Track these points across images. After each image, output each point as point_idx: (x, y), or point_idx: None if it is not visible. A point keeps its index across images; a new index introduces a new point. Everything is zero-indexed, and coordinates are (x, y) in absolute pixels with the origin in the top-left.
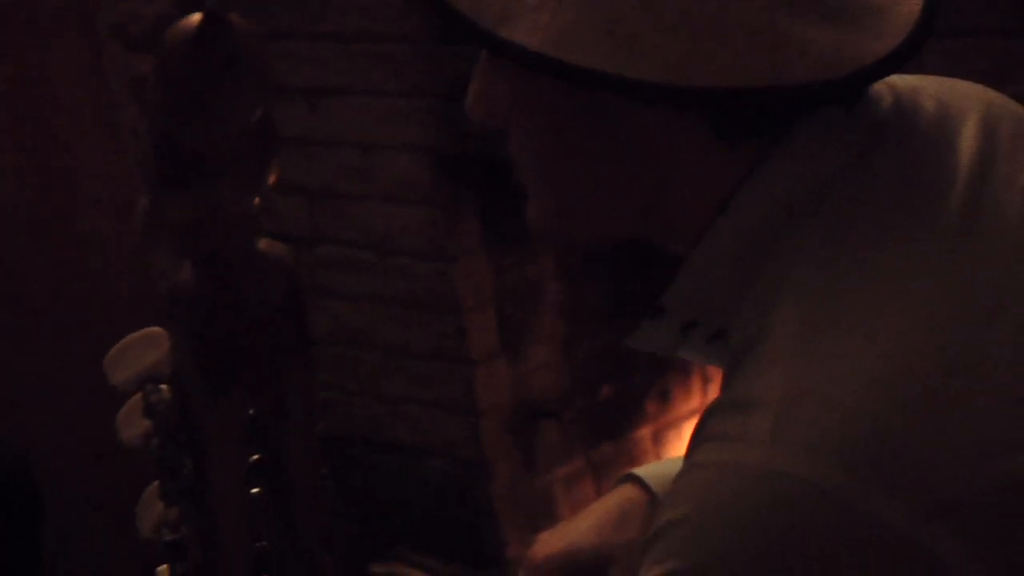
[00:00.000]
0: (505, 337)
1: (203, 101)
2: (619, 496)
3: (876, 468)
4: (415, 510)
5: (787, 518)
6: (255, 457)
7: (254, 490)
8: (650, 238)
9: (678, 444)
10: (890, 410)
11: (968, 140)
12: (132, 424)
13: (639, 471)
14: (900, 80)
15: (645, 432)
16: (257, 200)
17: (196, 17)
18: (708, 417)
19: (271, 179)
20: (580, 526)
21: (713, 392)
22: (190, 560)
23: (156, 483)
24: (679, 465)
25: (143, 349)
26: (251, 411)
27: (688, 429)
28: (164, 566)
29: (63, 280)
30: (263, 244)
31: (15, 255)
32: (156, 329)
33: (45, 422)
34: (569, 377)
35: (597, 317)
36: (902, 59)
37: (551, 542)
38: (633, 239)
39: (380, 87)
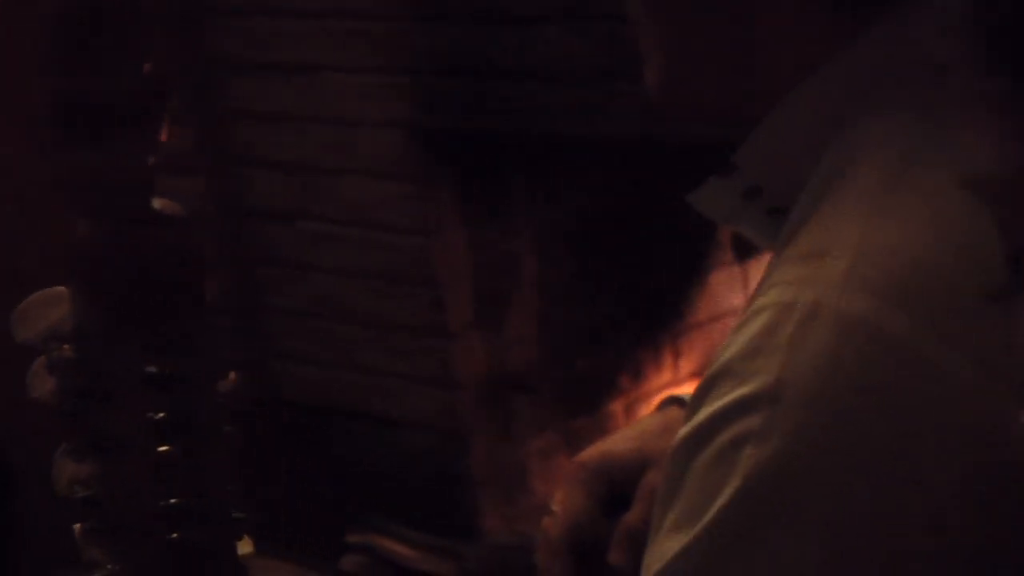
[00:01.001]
0: (482, 311)
1: (95, 58)
2: (662, 414)
3: (941, 317)
4: (392, 481)
5: (853, 360)
6: (162, 414)
7: (163, 447)
8: (750, 107)
9: None
10: (958, 265)
11: None
12: (41, 381)
13: (682, 394)
14: None
15: (618, 406)
16: (152, 159)
17: None
18: (772, 271)
19: (164, 137)
20: (621, 435)
21: (685, 367)
22: (103, 517)
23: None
24: None
25: (47, 307)
26: (153, 368)
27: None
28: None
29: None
30: (159, 202)
31: None
32: (60, 288)
33: (12, 397)
34: (545, 351)
35: (573, 292)
36: None
37: (590, 450)
38: (735, 111)
39: (358, 63)
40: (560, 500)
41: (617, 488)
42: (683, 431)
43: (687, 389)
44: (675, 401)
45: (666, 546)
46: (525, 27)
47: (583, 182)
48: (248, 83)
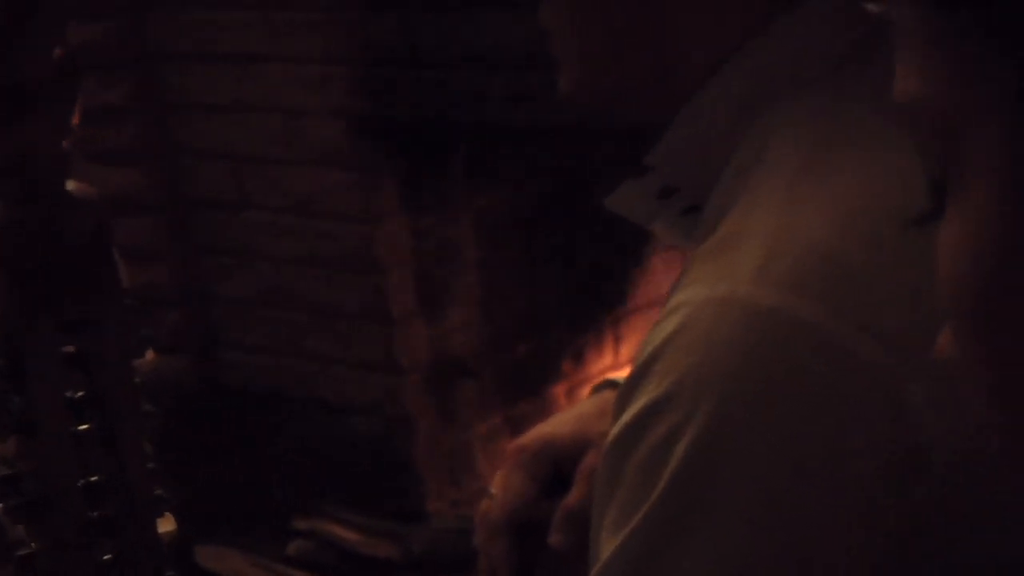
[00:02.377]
0: (425, 297)
1: (4, 43)
2: (598, 397)
3: (851, 305)
4: (337, 466)
5: (769, 349)
6: (80, 393)
7: (83, 426)
8: (663, 102)
9: None
10: (866, 255)
11: None
12: None
13: (616, 377)
14: None
15: (560, 390)
16: (66, 142)
17: None
18: (688, 267)
19: (76, 119)
20: (560, 419)
21: (625, 351)
22: (24, 495)
23: None
24: None
25: None
26: (70, 347)
27: None
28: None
29: None
30: (72, 185)
31: None
32: None
33: None
34: (487, 336)
35: (515, 277)
36: None
37: (530, 433)
38: (648, 105)
39: (301, 53)
40: (500, 483)
41: (557, 470)
42: (614, 430)
43: (625, 373)
44: (610, 384)
45: (606, 546)
46: (465, 15)
47: (524, 169)
48: (192, 74)
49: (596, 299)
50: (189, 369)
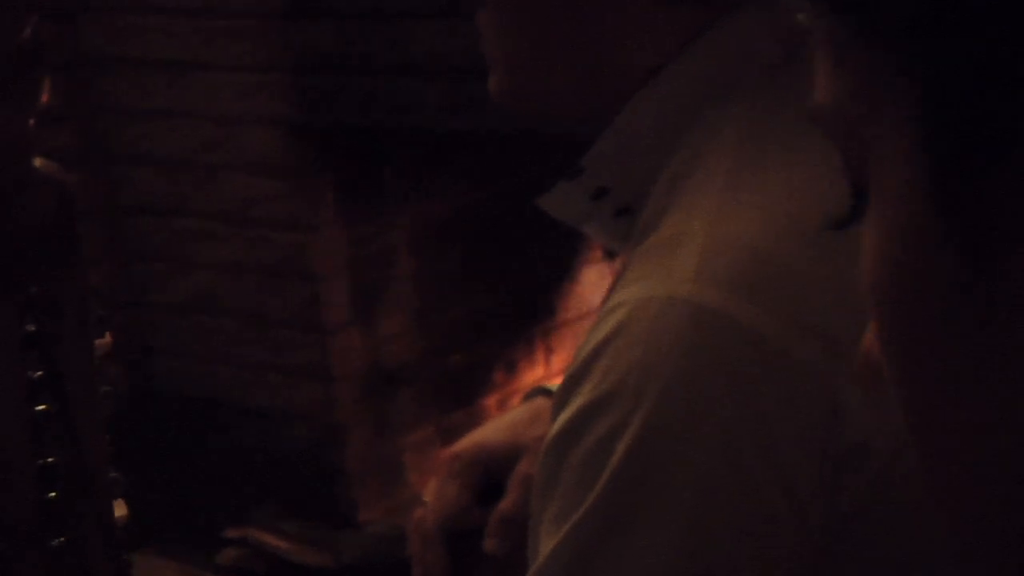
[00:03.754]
0: (359, 306)
1: None
2: (530, 404)
3: (787, 307)
4: (271, 474)
5: (710, 349)
6: (38, 373)
7: (40, 407)
8: (595, 110)
9: None
10: (799, 256)
11: None
12: None
13: (548, 384)
14: None
15: (492, 400)
16: (32, 122)
17: None
18: (626, 269)
19: (43, 100)
20: (492, 426)
21: (556, 363)
22: None
23: None
24: None
25: None
26: (30, 327)
27: None
28: None
29: None
30: (38, 163)
31: None
32: None
33: None
34: (421, 346)
35: (448, 287)
36: None
37: (463, 441)
38: (581, 112)
39: (236, 61)
40: (434, 491)
41: (490, 477)
42: (552, 430)
43: (557, 382)
44: (542, 391)
45: (545, 542)
46: (399, 24)
47: (458, 178)
48: (126, 80)
49: (528, 310)
50: (122, 376)
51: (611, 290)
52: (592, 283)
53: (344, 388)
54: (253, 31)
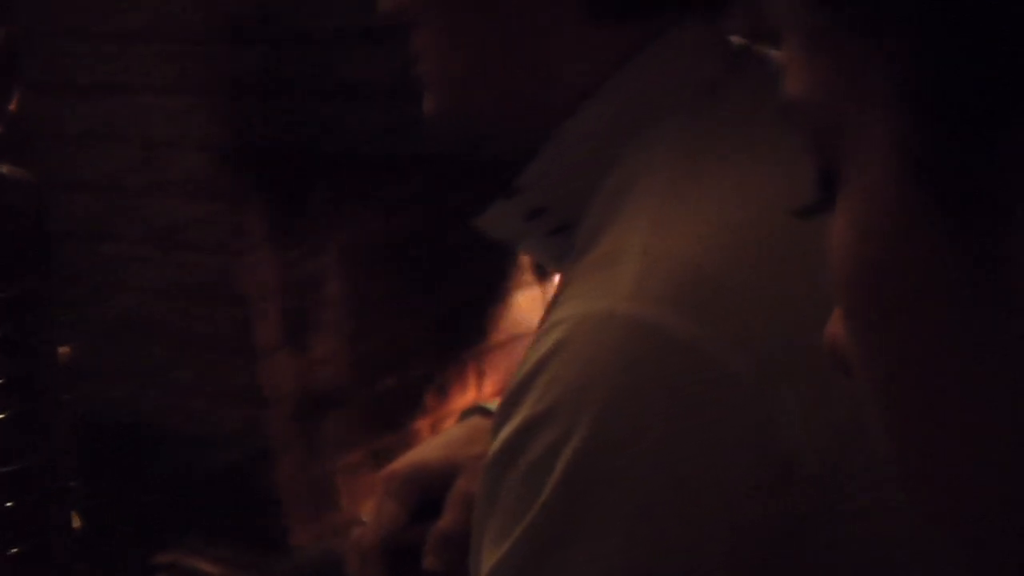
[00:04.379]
0: (289, 329)
1: None
2: (466, 423)
3: (724, 320)
4: (201, 499)
5: (648, 363)
6: (1, 380)
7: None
8: (533, 128)
9: None
10: (734, 272)
11: None
12: None
13: (485, 403)
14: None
15: (423, 423)
16: (1, 127)
17: None
18: (565, 285)
19: (13, 106)
20: (430, 445)
21: (488, 385)
22: None
23: None
24: None
25: None
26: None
27: None
28: None
29: None
30: (5, 168)
31: None
32: None
33: None
34: (351, 369)
35: (379, 311)
36: None
37: (400, 460)
38: (518, 130)
39: (165, 84)
40: (372, 510)
41: (428, 496)
42: (494, 446)
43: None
44: (479, 410)
45: (487, 559)
46: (327, 48)
47: (389, 201)
48: (53, 103)
49: (460, 333)
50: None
51: (550, 308)
52: (523, 305)
53: (274, 412)
54: (182, 55)
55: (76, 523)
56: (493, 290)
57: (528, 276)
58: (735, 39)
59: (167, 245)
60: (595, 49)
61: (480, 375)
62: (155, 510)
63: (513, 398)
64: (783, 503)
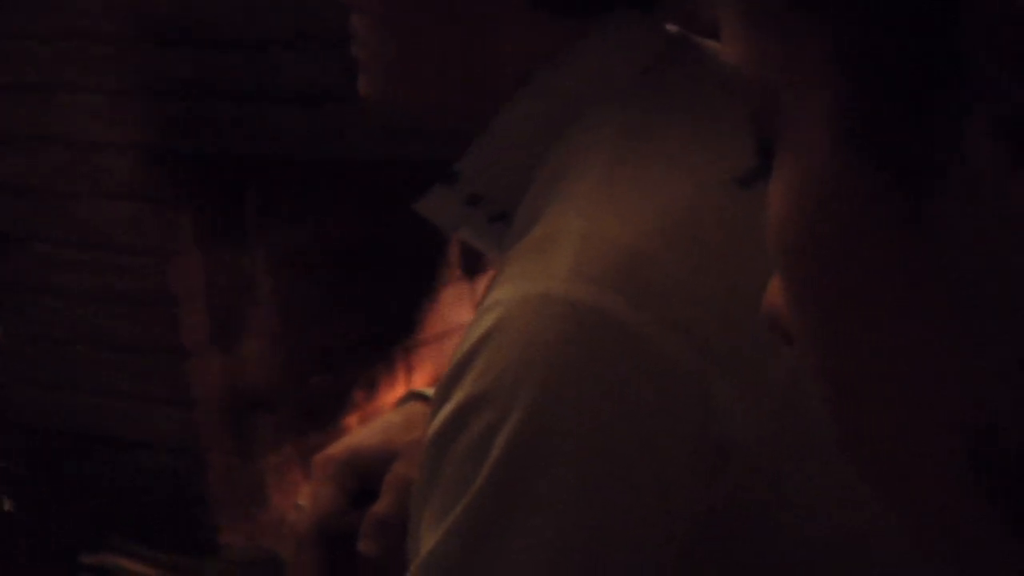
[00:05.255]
0: (218, 330)
1: None
2: (404, 408)
3: (660, 303)
4: (131, 501)
5: (585, 345)
6: None
7: None
8: (469, 114)
9: None
10: (669, 253)
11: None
12: None
13: (422, 389)
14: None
15: (353, 421)
16: None
17: None
18: (503, 269)
19: None
20: (367, 430)
21: (418, 382)
22: None
23: None
24: None
25: None
26: None
27: None
28: None
29: None
30: None
31: None
32: None
33: None
34: (280, 369)
35: (308, 310)
36: None
37: (337, 445)
38: (454, 116)
39: (93, 85)
40: (309, 495)
41: (365, 481)
42: (432, 427)
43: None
44: (417, 396)
45: (425, 541)
46: (262, 50)
47: (317, 203)
48: None
49: (389, 331)
50: None
51: (490, 287)
52: (452, 302)
53: (203, 413)
54: (111, 57)
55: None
56: (422, 287)
57: (457, 272)
58: (671, 28)
59: (95, 247)
60: (532, 36)
61: (409, 372)
62: (83, 514)
63: (451, 380)
64: (721, 488)
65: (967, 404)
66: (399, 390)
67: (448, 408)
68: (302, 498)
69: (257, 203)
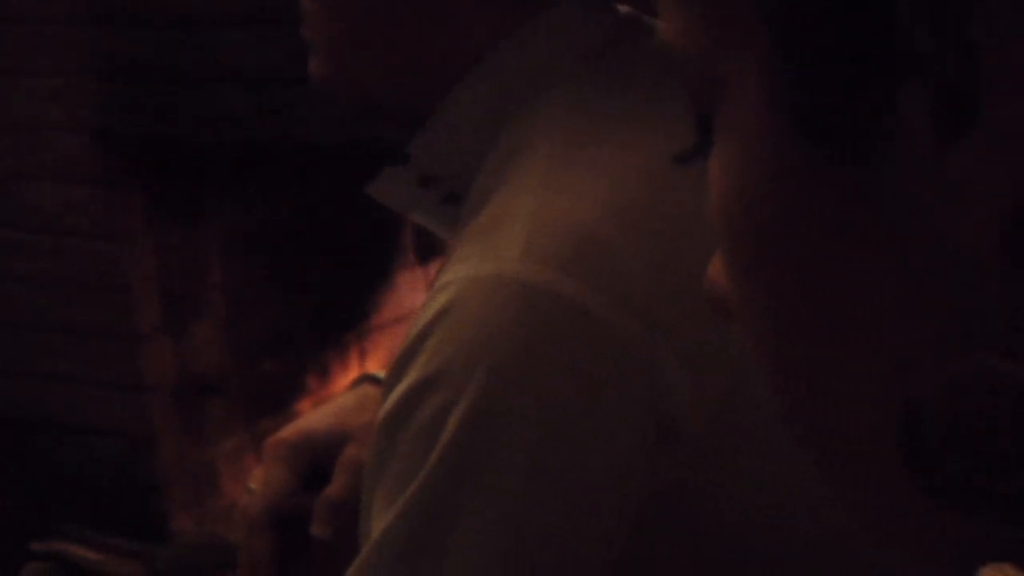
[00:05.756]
0: (169, 314)
1: None
2: (357, 391)
3: (611, 283)
4: (82, 487)
5: (537, 325)
6: None
7: None
8: (419, 95)
9: None
10: (620, 234)
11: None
12: None
13: (375, 372)
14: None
15: (306, 406)
16: None
17: None
18: (455, 250)
19: None
20: (319, 412)
21: (371, 367)
22: None
23: None
24: None
25: None
26: None
27: None
28: None
29: None
30: None
31: None
32: None
33: None
34: (233, 354)
35: (260, 295)
36: None
37: (289, 427)
38: (404, 98)
39: (44, 67)
40: (260, 477)
41: (317, 463)
42: (384, 408)
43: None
44: (369, 378)
45: (377, 522)
46: (212, 32)
47: (270, 186)
48: None
49: (341, 316)
50: None
51: (442, 268)
52: (406, 287)
53: (155, 398)
54: (63, 37)
55: None
56: (375, 272)
57: (411, 257)
58: (623, 9)
59: (45, 231)
60: (484, 17)
61: (363, 357)
62: (33, 500)
63: (403, 360)
64: (673, 467)
65: (897, 378)
66: (352, 375)
67: (400, 389)
68: (253, 482)
69: (209, 186)
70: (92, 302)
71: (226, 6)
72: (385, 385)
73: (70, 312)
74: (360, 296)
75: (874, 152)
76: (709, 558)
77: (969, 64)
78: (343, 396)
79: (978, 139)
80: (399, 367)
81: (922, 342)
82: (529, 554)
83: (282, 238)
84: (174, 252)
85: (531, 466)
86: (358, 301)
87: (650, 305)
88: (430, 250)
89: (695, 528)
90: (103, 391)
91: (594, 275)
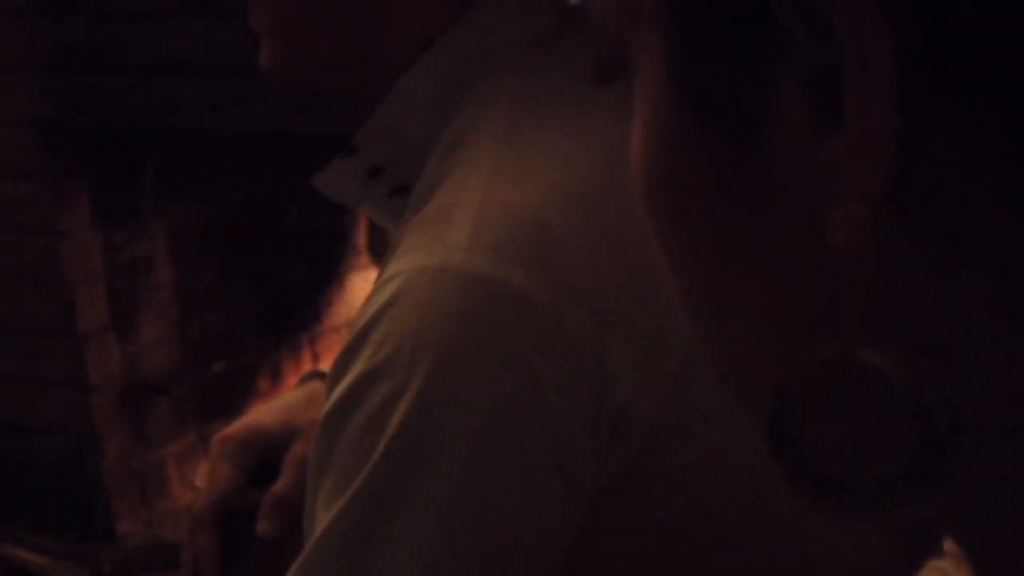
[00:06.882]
0: (116, 313)
1: None
2: (305, 387)
3: (557, 273)
4: (25, 488)
5: (482, 316)
6: None
7: None
8: (367, 83)
9: None
10: (568, 222)
11: None
12: None
13: (323, 368)
14: None
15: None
16: None
17: None
18: (400, 240)
19: None
20: (266, 409)
21: (323, 368)
22: None
23: None
24: None
25: None
26: None
27: None
28: None
29: None
30: None
31: None
32: None
33: None
34: (181, 353)
35: (210, 294)
36: None
37: (236, 424)
38: (352, 85)
39: None
40: (205, 474)
41: (265, 460)
42: (330, 400)
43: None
44: (316, 375)
45: (321, 517)
46: (153, 23)
47: (220, 181)
48: None
49: (294, 316)
50: None
51: (388, 259)
52: (359, 288)
53: (101, 397)
54: (2, 29)
55: None
56: (328, 272)
57: (364, 258)
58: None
59: None
60: (430, 7)
61: (315, 358)
62: None
63: (348, 353)
64: (622, 456)
65: (773, 361)
66: None
67: (345, 382)
68: (199, 479)
69: (155, 180)
70: (36, 299)
71: None
72: (330, 376)
73: (12, 308)
74: (313, 296)
75: (757, 135)
76: (663, 544)
77: (832, 54)
78: (291, 392)
79: (848, 130)
80: (344, 361)
81: (795, 326)
82: (473, 542)
83: (233, 234)
84: (121, 248)
85: (474, 455)
86: (311, 301)
87: (597, 294)
88: (385, 250)
89: (647, 515)
90: (48, 390)
91: (540, 264)
